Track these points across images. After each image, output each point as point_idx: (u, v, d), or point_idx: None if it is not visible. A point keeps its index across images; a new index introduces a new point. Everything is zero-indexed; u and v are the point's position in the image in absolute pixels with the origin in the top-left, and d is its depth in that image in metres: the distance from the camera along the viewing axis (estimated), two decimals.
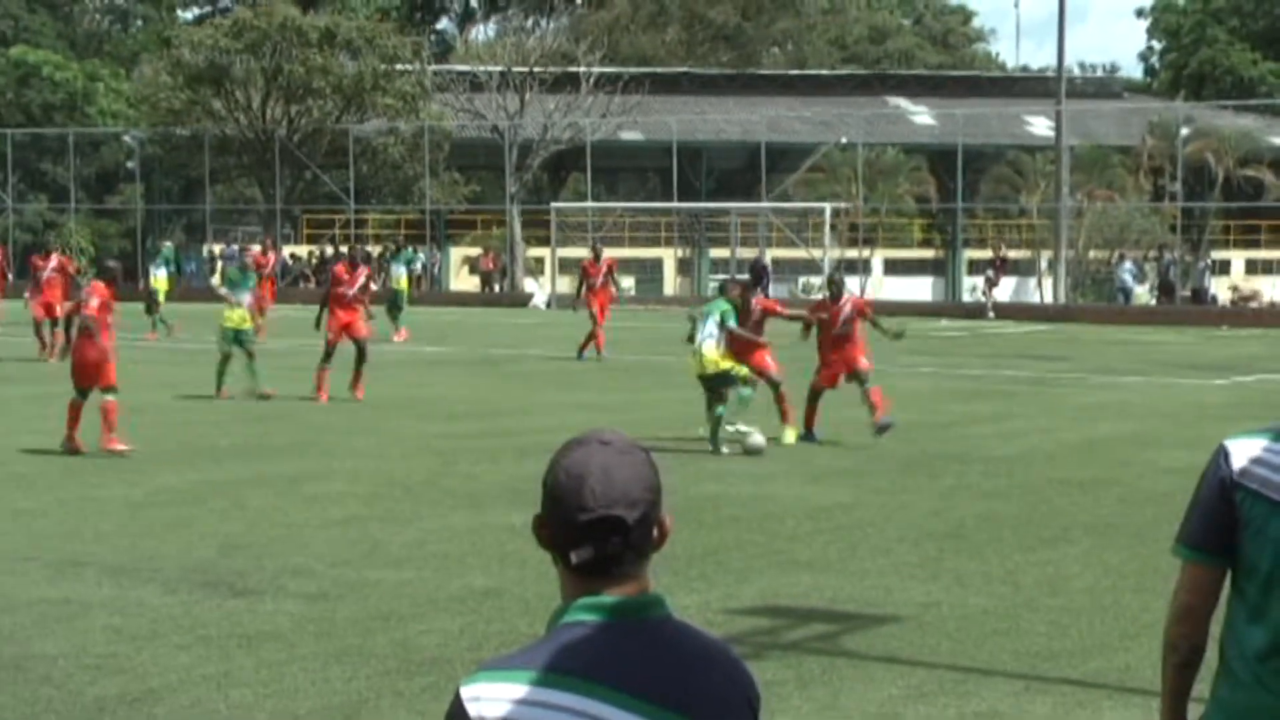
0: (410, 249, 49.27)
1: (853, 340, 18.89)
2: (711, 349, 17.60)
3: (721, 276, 60.87)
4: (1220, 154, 63.75)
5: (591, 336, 30.86)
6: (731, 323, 17.80)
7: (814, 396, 18.87)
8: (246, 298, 23.98)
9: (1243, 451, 4.03)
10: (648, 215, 66.96)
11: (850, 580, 11.16)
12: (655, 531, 2.83)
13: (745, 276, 42.53)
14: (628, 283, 61.79)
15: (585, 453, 2.81)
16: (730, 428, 17.73)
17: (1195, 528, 4.08)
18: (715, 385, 17.77)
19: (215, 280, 45.25)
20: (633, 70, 66.11)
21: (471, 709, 2.73)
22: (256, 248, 50.02)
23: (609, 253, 36.31)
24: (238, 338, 23.53)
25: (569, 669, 2.73)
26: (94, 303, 17.55)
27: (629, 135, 65.03)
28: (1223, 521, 4.01)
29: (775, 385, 18.75)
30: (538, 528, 2.85)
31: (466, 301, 56.35)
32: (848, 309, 19.04)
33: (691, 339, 18.13)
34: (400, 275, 39.85)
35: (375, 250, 58.09)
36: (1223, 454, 4.06)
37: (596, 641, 2.75)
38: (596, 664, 2.73)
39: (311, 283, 57.92)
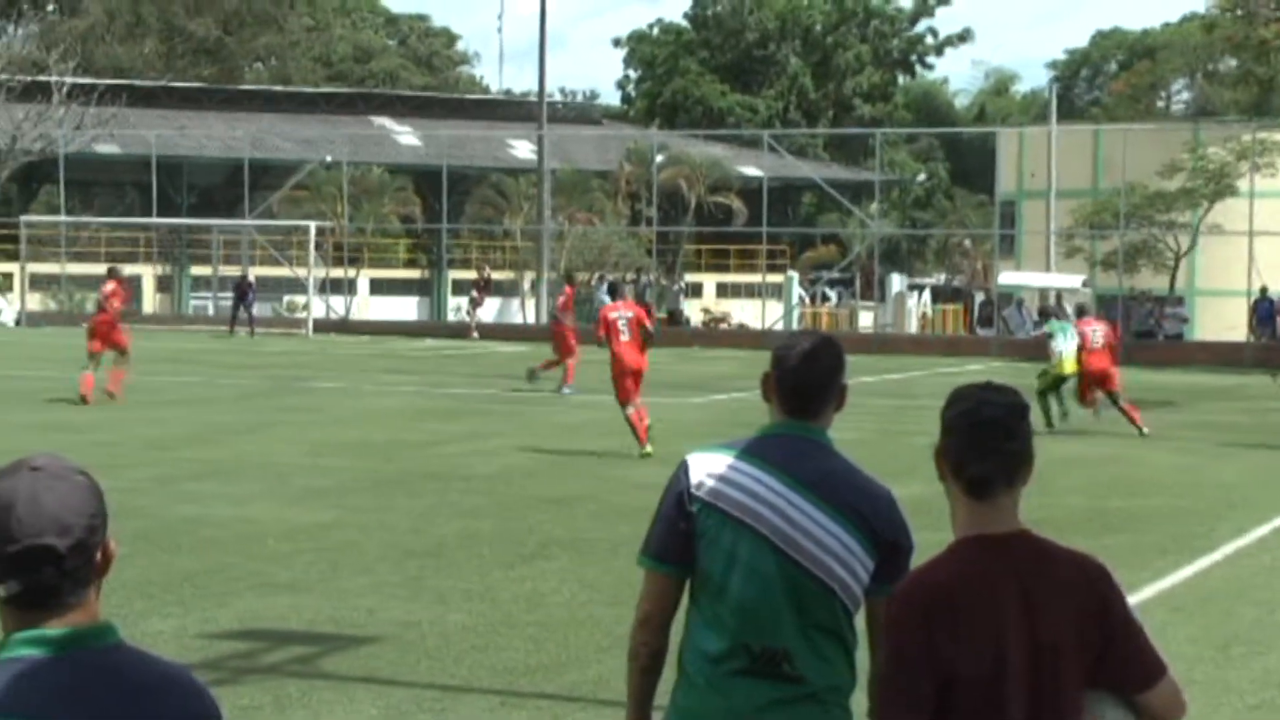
0: None
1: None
2: None
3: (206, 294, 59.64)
4: (692, 181, 66.47)
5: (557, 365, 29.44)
6: None
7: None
8: None
9: (701, 466, 4.22)
10: (126, 230, 64.92)
11: (330, 601, 11.07)
12: (98, 557, 2.74)
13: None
14: None
15: (13, 482, 2.68)
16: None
17: (657, 538, 4.24)
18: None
19: None
20: (109, 81, 64.05)
21: None
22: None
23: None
24: None
25: (13, 709, 2.60)
26: None
27: (105, 148, 63.00)
28: (681, 532, 4.18)
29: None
30: None
31: None
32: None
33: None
34: None
35: None
36: (683, 468, 4.24)
37: (41, 677, 2.63)
38: (43, 700, 2.62)
39: None
